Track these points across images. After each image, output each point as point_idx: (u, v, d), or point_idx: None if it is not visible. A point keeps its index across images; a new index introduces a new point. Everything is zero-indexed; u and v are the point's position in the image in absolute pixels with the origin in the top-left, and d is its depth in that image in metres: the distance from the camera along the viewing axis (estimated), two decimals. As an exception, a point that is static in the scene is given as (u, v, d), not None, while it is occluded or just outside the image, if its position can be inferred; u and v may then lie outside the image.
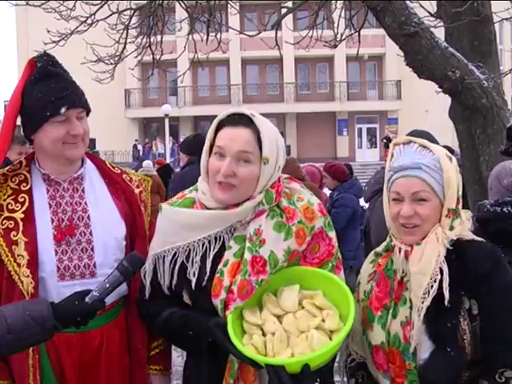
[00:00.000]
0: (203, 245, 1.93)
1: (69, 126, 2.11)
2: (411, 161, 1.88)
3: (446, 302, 1.77)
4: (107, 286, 1.93)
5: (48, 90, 2.09)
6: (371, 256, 2.10)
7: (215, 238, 1.94)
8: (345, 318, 1.81)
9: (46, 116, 2.08)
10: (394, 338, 1.89)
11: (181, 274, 1.97)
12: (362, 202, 5.73)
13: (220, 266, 1.90)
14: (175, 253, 1.97)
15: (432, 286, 1.80)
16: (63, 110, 2.08)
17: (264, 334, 1.82)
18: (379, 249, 2.07)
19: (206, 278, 1.92)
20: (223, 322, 1.83)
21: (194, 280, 1.93)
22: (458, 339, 1.78)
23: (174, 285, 1.99)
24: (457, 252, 1.86)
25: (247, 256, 1.88)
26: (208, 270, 1.91)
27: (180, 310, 2.01)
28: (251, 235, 1.91)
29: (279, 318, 1.85)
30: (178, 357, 5.49)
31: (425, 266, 1.83)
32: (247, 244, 1.90)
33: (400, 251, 1.92)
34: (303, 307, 1.86)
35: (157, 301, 2.06)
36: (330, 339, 1.79)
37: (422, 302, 1.81)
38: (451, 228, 1.88)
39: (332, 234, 2.04)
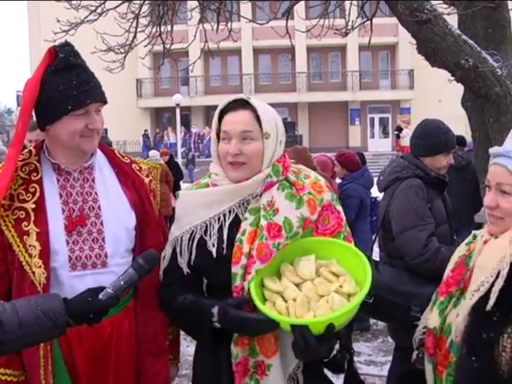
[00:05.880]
0: (219, 219, 2.06)
1: (88, 119, 2.09)
2: (505, 148, 1.71)
3: (488, 307, 1.62)
4: (121, 283, 1.92)
5: (70, 82, 2.05)
6: (469, 238, 1.92)
7: (229, 212, 2.07)
8: (361, 283, 1.88)
9: (66, 109, 2.04)
10: (448, 327, 1.80)
11: (200, 248, 2.07)
12: (374, 192, 5.61)
13: (238, 235, 2.02)
14: (193, 231, 2.08)
15: (484, 285, 1.65)
16: (85, 104, 2.06)
17: (285, 301, 1.89)
18: (478, 231, 1.89)
19: (224, 246, 2.03)
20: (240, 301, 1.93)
21: (214, 250, 2.03)
22: (495, 354, 1.62)
23: (193, 260, 2.08)
24: None
25: (263, 223, 2.00)
26: (225, 238, 2.03)
27: (194, 295, 2.06)
28: (265, 205, 2.03)
29: (298, 286, 1.93)
30: (187, 346, 5.51)
31: (487, 262, 1.69)
32: (262, 213, 2.02)
33: (481, 238, 1.79)
34: (320, 275, 1.95)
35: (173, 286, 2.13)
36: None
37: (470, 299, 1.68)
38: None
39: (339, 208, 2.16)
